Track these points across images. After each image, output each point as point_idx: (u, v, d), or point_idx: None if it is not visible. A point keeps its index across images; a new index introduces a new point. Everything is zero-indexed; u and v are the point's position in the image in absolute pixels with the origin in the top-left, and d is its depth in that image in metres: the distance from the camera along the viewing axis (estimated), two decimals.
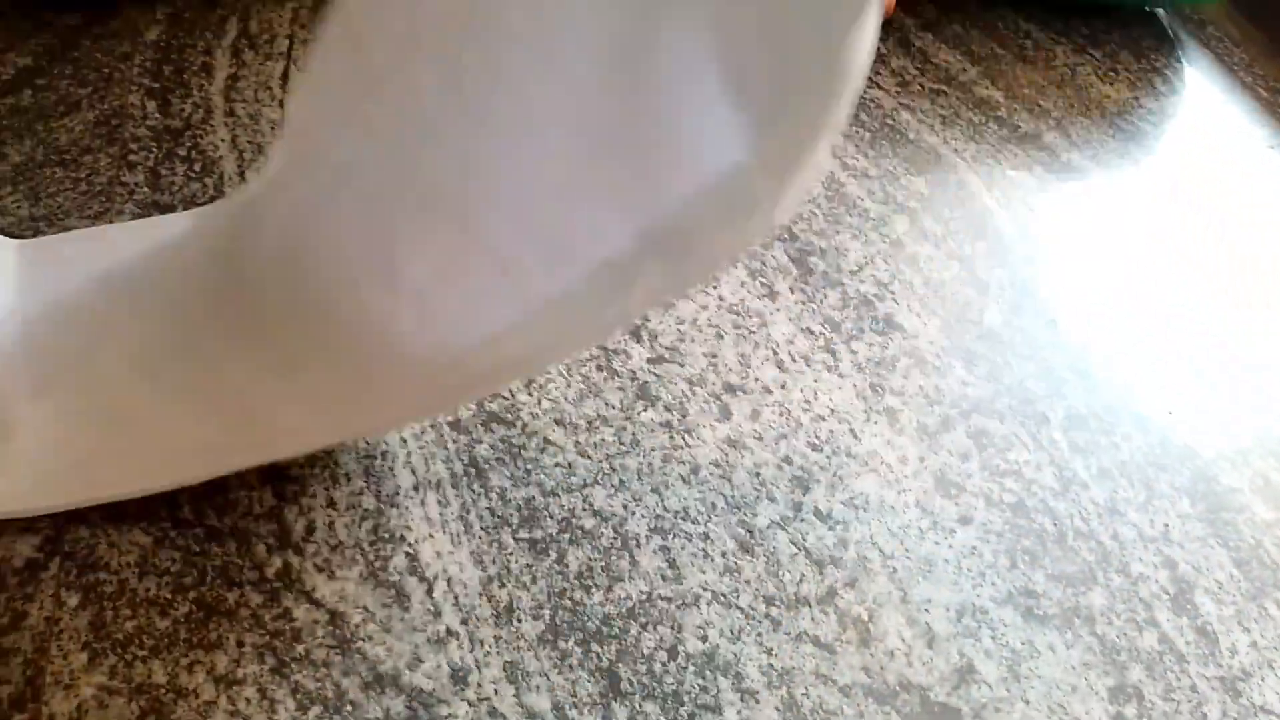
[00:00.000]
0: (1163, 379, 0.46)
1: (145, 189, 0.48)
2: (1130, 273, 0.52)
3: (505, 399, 0.41)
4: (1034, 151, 0.58)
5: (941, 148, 0.57)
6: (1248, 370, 0.48)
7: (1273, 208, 0.57)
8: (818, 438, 0.42)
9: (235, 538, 0.36)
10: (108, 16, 0.58)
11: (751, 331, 0.46)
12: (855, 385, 0.44)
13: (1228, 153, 0.61)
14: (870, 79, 0.61)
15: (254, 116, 0.53)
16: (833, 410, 0.43)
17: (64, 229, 0.45)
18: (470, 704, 0.33)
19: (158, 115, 0.52)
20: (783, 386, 0.44)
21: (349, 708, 0.32)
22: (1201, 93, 0.66)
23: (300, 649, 0.33)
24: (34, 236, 0.45)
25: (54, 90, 0.53)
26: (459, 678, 0.33)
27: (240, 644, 0.33)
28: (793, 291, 0.48)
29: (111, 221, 0.46)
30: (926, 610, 0.37)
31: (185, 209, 0.47)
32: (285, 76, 0.55)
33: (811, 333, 0.46)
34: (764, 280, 0.48)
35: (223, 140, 0.51)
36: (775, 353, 0.45)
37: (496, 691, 0.33)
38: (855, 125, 0.57)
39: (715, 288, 0.47)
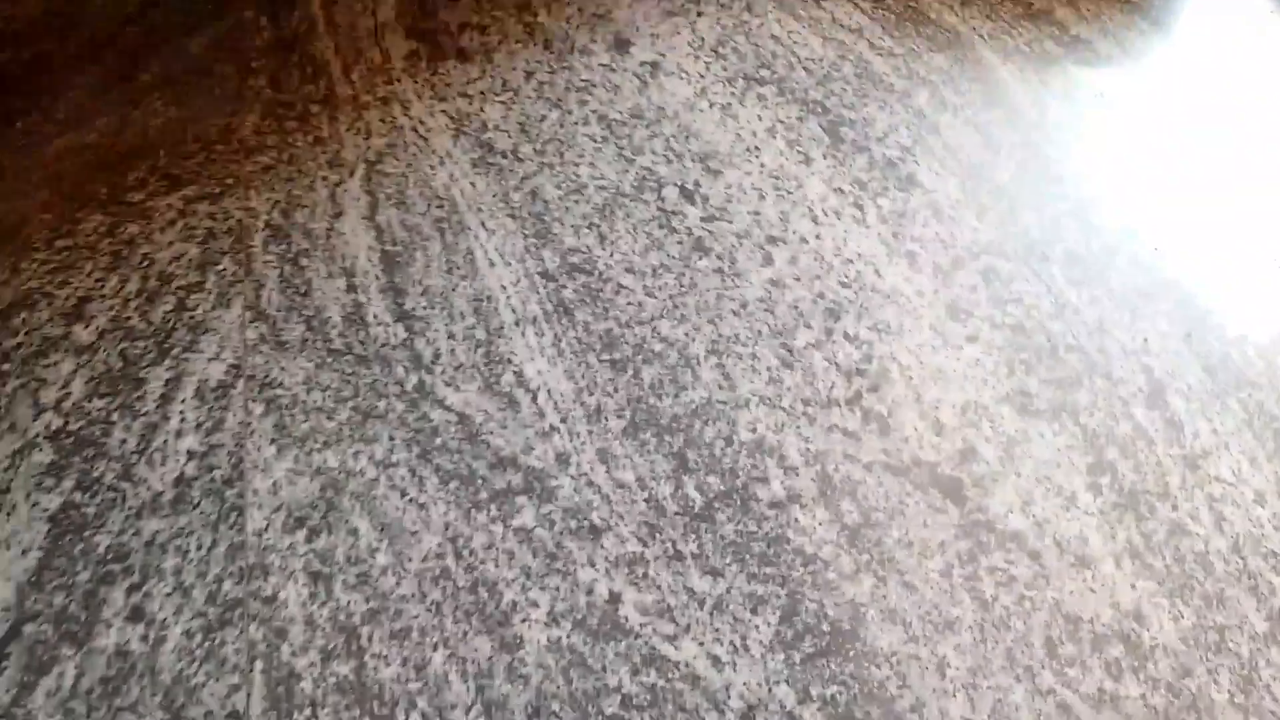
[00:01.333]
0: (1154, 222, 0.53)
1: (269, 90, 0.56)
2: (1130, 131, 0.57)
3: (583, 253, 0.50)
4: (1046, 27, 0.63)
5: (960, 26, 0.63)
6: (1238, 212, 0.54)
7: (1260, 64, 0.62)
8: (847, 277, 0.49)
9: (379, 362, 0.45)
10: None
11: (790, 192, 0.53)
12: (880, 234, 0.51)
13: (1227, 19, 0.65)
14: None
15: (352, 26, 0.60)
16: (860, 255, 0.50)
17: (205, 127, 0.54)
18: (572, 478, 0.42)
19: (270, 29, 0.60)
20: (817, 237, 0.51)
21: (480, 481, 0.42)
22: None
23: (439, 441, 0.43)
24: (180, 136, 0.53)
25: (176, 12, 0.61)
26: (563, 460, 0.42)
27: (392, 438, 0.43)
28: (825, 157, 0.55)
29: (244, 120, 0.54)
30: (936, 408, 0.45)
31: (304, 107, 0.55)
32: None
33: (842, 192, 0.53)
34: (800, 149, 0.55)
35: (328, 47, 0.59)
36: (810, 209, 0.52)
37: (592, 469, 0.42)
38: (881, 9, 0.63)
39: (757, 156, 0.55)
